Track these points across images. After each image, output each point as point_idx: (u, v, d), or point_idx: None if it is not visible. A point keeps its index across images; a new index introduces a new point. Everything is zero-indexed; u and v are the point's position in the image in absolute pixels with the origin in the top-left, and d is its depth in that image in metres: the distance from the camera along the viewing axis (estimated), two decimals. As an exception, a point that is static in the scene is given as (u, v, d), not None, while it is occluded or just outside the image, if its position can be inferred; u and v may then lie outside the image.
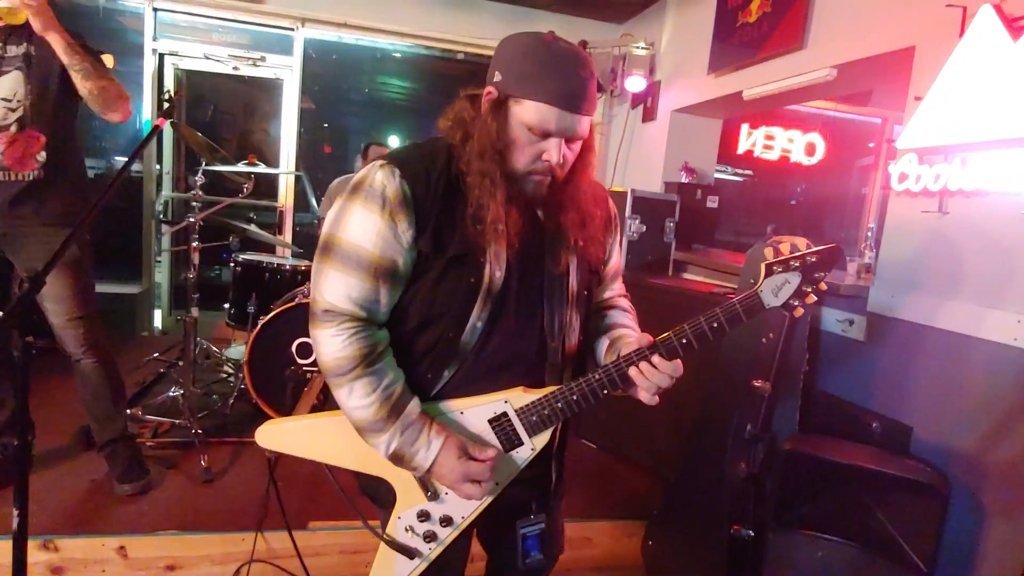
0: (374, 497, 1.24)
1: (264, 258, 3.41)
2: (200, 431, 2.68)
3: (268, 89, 5.04)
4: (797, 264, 1.10)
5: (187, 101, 4.98)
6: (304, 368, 2.88)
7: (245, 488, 2.43)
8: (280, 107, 4.76)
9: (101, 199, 1.41)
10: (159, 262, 4.78)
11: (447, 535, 1.19)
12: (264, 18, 4.48)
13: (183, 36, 4.47)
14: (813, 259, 1.10)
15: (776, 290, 1.11)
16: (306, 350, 2.90)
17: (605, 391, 1.14)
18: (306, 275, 3.32)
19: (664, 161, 4.13)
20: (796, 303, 1.11)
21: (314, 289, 1.12)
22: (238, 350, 3.64)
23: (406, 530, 1.19)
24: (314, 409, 2.04)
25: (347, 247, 1.09)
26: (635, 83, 4.26)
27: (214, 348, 3.61)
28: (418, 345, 1.15)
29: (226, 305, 3.46)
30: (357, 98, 8.01)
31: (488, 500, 1.18)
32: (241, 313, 3.28)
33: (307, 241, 5.17)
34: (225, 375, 3.54)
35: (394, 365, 1.13)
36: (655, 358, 1.12)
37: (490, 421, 1.16)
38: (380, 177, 1.09)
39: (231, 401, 3.12)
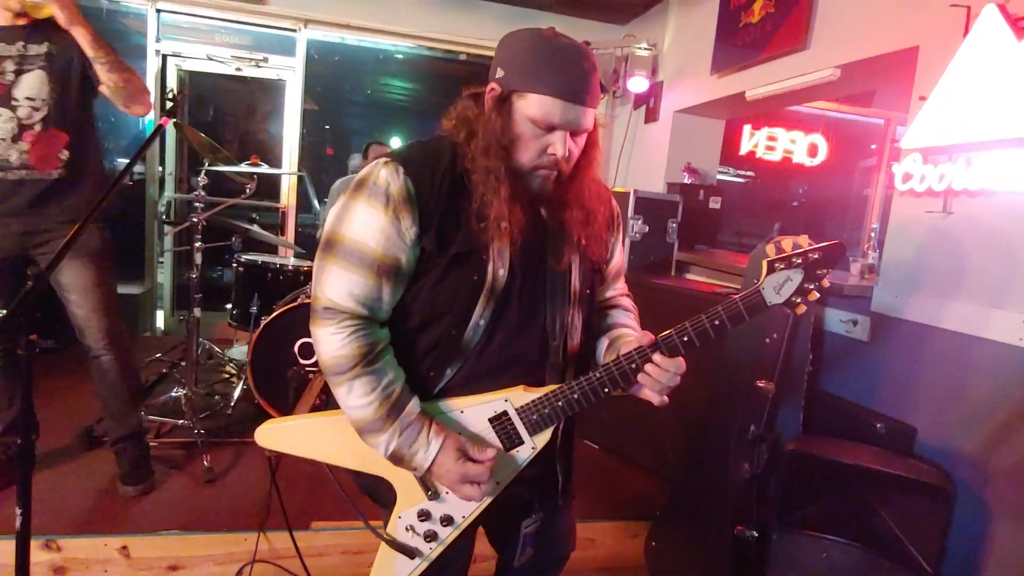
0: (375, 497, 1.24)
1: (266, 258, 3.41)
2: (203, 431, 2.68)
3: (270, 90, 5.04)
4: (799, 261, 1.10)
5: (189, 102, 4.99)
6: (306, 368, 2.88)
7: (247, 488, 2.43)
8: (282, 108, 4.77)
9: (105, 196, 1.41)
10: (161, 263, 4.79)
11: (448, 535, 1.19)
12: (267, 19, 4.49)
13: (186, 37, 4.48)
14: (815, 256, 1.09)
15: (778, 287, 1.10)
16: (308, 350, 2.90)
17: (606, 390, 1.14)
18: (308, 276, 3.32)
19: (667, 162, 4.13)
20: (798, 300, 1.11)
21: (316, 286, 1.12)
22: (240, 350, 3.64)
23: (407, 530, 1.19)
24: (315, 409, 2.04)
25: (350, 244, 1.08)
26: (637, 84, 4.26)
27: (216, 348, 3.62)
28: (420, 343, 1.15)
29: (228, 306, 3.46)
30: (359, 99, 8.03)
31: (488, 500, 1.17)
32: (243, 313, 3.28)
33: (309, 241, 5.18)
34: (227, 375, 3.54)
35: (394, 364, 1.12)
36: (656, 356, 1.11)
37: (490, 420, 1.15)
38: (384, 174, 1.09)
39: (233, 402, 3.12)
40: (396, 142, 7.62)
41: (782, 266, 1.10)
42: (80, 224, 1.30)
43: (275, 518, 2.00)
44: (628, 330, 1.30)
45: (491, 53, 1.16)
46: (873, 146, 5.45)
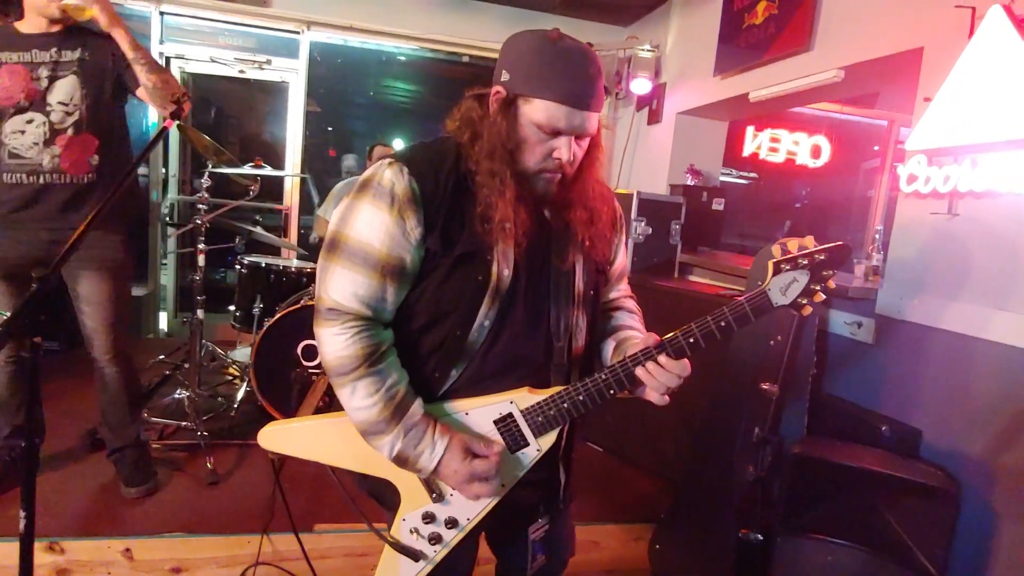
0: (379, 499, 1.24)
1: (269, 260, 3.41)
2: (206, 433, 2.68)
3: (273, 92, 5.05)
4: (806, 262, 1.09)
5: (192, 104, 5.00)
6: (309, 370, 2.88)
7: (251, 490, 2.43)
8: (285, 110, 4.77)
9: (111, 197, 1.41)
10: (164, 264, 4.79)
11: (452, 537, 1.18)
12: (270, 21, 4.50)
13: (189, 40, 4.49)
14: (821, 257, 1.09)
15: (784, 288, 1.10)
16: (311, 352, 2.90)
17: (612, 392, 1.13)
18: (311, 277, 3.32)
19: (670, 163, 4.12)
20: (804, 301, 1.11)
21: (319, 287, 1.12)
22: (243, 352, 3.64)
23: (411, 532, 1.18)
24: (318, 411, 2.04)
25: (354, 244, 1.08)
26: (640, 85, 4.26)
27: (219, 350, 3.62)
28: (425, 344, 1.15)
29: (231, 307, 3.46)
30: (362, 101, 8.03)
31: (494, 502, 1.17)
32: (246, 315, 3.29)
33: (317, 245, 5.18)
34: (231, 377, 3.54)
35: (398, 365, 1.12)
36: (662, 358, 1.11)
37: (496, 422, 1.15)
38: (389, 175, 1.08)
39: (236, 403, 3.12)
40: (399, 144, 7.63)
41: (788, 267, 1.10)
42: (83, 227, 1.30)
43: (279, 520, 2.00)
44: (634, 332, 1.30)
45: (494, 55, 1.16)
46: (876, 147, 5.44)
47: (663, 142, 4.22)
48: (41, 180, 2.10)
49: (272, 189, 4.71)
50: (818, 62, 2.83)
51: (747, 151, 5.20)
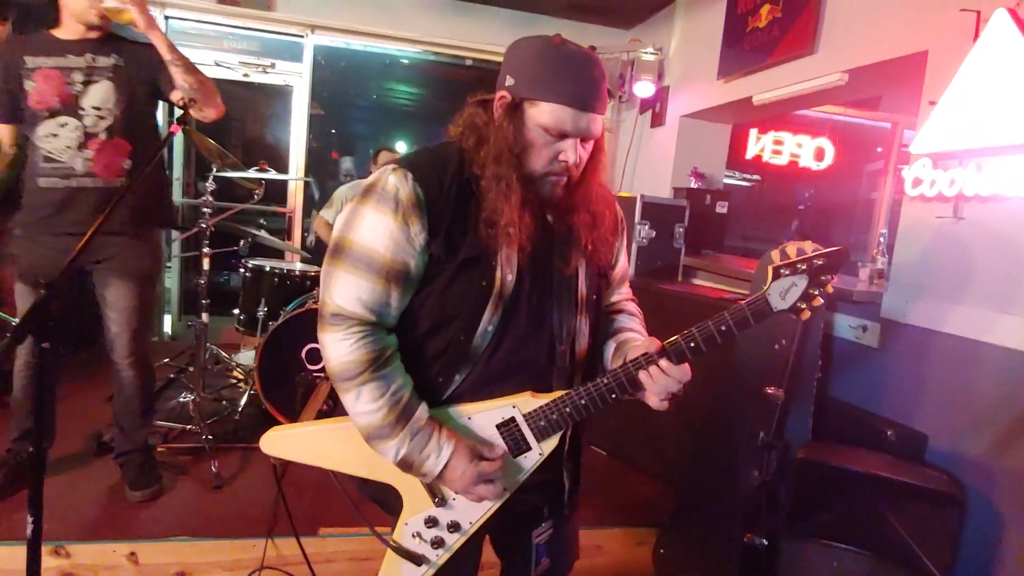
0: (382, 504, 1.24)
1: (273, 264, 3.42)
2: (210, 437, 2.68)
3: (276, 95, 5.07)
4: (804, 267, 1.10)
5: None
6: (314, 374, 2.88)
7: (255, 494, 2.43)
8: (289, 113, 4.79)
9: (115, 204, 1.41)
10: (169, 267, 4.80)
11: (455, 541, 1.19)
12: (274, 25, 4.51)
13: (194, 43, 4.50)
14: (820, 262, 1.10)
15: (783, 293, 1.11)
16: (315, 356, 2.90)
17: (614, 395, 1.14)
18: (315, 281, 3.32)
19: (673, 166, 4.12)
20: (803, 306, 1.11)
21: (324, 291, 1.12)
22: (248, 356, 3.65)
23: (413, 536, 1.18)
24: (321, 415, 2.04)
25: (358, 249, 1.08)
26: (644, 88, 4.26)
27: (224, 354, 3.62)
28: (429, 349, 1.15)
29: (235, 311, 3.46)
30: (365, 104, 8.06)
31: (496, 505, 1.17)
32: (251, 319, 3.29)
33: (319, 247, 5.19)
34: (235, 381, 3.54)
35: (402, 370, 1.12)
36: (663, 362, 1.12)
37: (498, 426, 1.15)
38: (393, 180, 1.09)
39: (241, 407, 3.13)
40: (402, 147, 7.65)
41: (787, 272, 1.11)
42: (88, 234, 1.30)
43: (283, 524, 2.00)
44: (635, 334, 1.30)
45: (497, 58, 1.17)
46: (879, 149, 5.42)
47: (666, 145, 4.22)
48: (74, 183, 2.13)
49: (275, 192, 4.72)
50: (822, 65, 2.83)
51: (750, 153, 5.20)
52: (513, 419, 1.15)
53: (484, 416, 1.15)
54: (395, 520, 1.20)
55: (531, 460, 1.17)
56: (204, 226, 2.99)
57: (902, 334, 2.24)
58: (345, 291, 1.09)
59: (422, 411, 1.11)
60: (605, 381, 1.13)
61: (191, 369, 3.10)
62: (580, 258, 1.20)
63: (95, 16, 2.08)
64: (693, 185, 3.94)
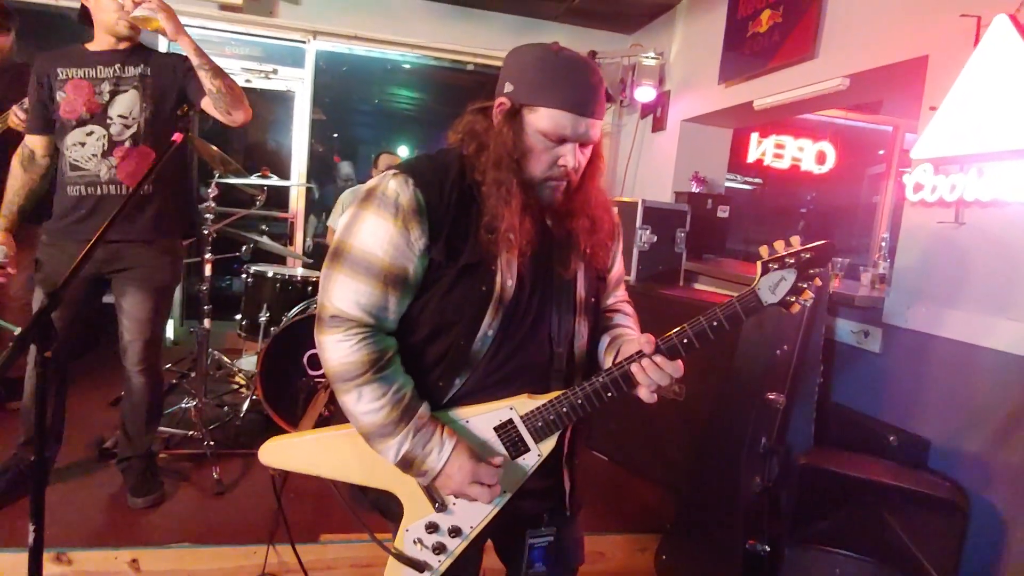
0: (382, 511, 1.24)
1: (276, 269, 3.42)
2: (212, 443, 2.68)
3: (278, 101, 5.08)
4: (792, 261, 1.11)
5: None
6: (315, 379, 2.88)
7: (257, 500, 2.43)
8: (291, 118, 4.80)
9: (118, 213, 1.42)
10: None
11: (456, 546, 1.19)
12: (276, 31, 4.53)
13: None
14: (807, 255, 1.11)
15: (773, 287, 1.12)
16: (317, 361, 2.87)
17: (609, 394, 1.14)
18: (317, 286, 3.32)
19: (674, 171, 4.13)
20: (793, 299, 1.12)
21: (322, 295, 1.13)
22: (250, 361, 3.65)
23: (414, 543, 1.18)
24: (322, 420, 2.04)
25: (358, 254, 1.09)
26: (645, 93, 4.26)
27: (226, 359, 3.62)
28: (429, 354, 1.15)
29: (237, 316, 3.47)
30: (367, 108, 8.09)
31: (496, 509, 1.17)
32: (252, 324, 3.30)
33: (317, 251, 5.20)
34: (237, 386, 3.55)
35: (403, 371, 1.13)
36: (658, 358, 1.12)
37: (496, 429, 1.16)
38: (393, 185, 1.10)
39: (242, 412, 3.13)
40: (404, 151, 7.67)
41: (776, 266, 1.12)
42: (92, 241, 1.31)
43: (284, 530, 2.00)
44: (628, 330, 1.32)
45: (498, 63, 1.18)
46: (881, 151, 5.42)
47: (667, 150, 4.22)
48: (99, 191, 2.16)
49: (277, 197, 4.73)
50: (823, 70, 2.83)
51: (752, 157, 5.20)
52: (511, 421, 1.15)
53: (482, 419, 1.16)
54: (395, 527, 1.20)
55: (530, 461, 1.17)
56: (206, 232, 3.00)
57: (904, 339, 2.23)
58: (343, 294, 1.09)
59: (424, 409, 1.12)
60: (600, 379, 1.14)
61: (193, 374, 3.11)
62: (579, 262, 1.21)
63: (125, 27, 2.13)
64: (694, 189, 3.95)
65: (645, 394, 1.15)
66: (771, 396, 1.99)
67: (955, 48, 2.09)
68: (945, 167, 2.08)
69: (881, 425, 2.20)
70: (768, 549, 1.94)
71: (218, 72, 2.13)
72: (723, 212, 3.80)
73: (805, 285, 1.12)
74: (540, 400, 1.15)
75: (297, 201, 4.84)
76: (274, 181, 3.40)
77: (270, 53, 4.64)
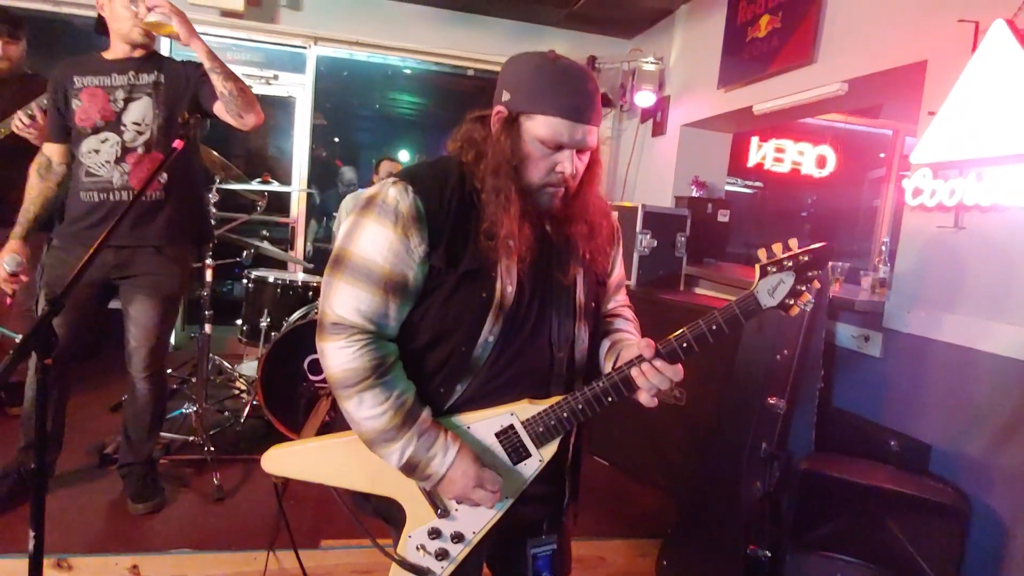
0: (384, 518, 1.24)
1: (277, 274, 3.43)
2: (212, 448, 2.68)
3: (280, 106, 5.09)
4: (790, 264, 1.12)
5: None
6: (316, 385, 2.88)
7: (257, 506, 2.43)
8: (292, 124, 4.81)
9: (119, 220, 1.42)
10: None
11: (459, 552, 1.19)
12: (277, 37, 4.54)
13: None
14: (805, 258, 1.12)
15: (771, 290, 1.12)
16: (318, 366, 2.89)
17: (610, 398, 1.15)
18: (318, 291, 3.32)
19: (674, 175, 4.13)
20: (791, 302, 1.13)
21: (323, 302, 1.13)
22: (250, 366, 3.65)
23: (417, 549, 1.18)
24: (324, 426, 2.04)
25: (358, 261, 1.10)
26: (644, 98, 4.28)
27: (226, 364, 3.62)
28: (430, 361, 1.16)
29: (238, 321, 3.47)
30: (368, 113, 8.11)
31: (499, 515, 1.17)
32: (253, 329, 3.30)
33: (318, 256, 5.21)
34: (237, 391, 3.54)
35: (404, 377, 1.13)
36: (657, 362, 1.13)
37: (497, 434, 1.16)
38: (393, 193, 1.10)
39: (243, 418, 3.13)
40: (404, 156, 7.69)
41: (774, 269, 1.12)
42: (95, 247, 1.31)
43: (285, 536, 2.00)
44: (628, 334, 1.32)
45: (498, 68, 1.18)
46: (882, 155, 5.43)
47: (667, 154, 4.23)
48: (112, 197, 2.17)
49: (278, 202, 4.74)
50: (822, 75, 2.84)
51: (752, 161, 5.21)
52: (512, 426, 1.15)
53: (483, 425, 1.16)
54: (398, 533, 1.20)
55: (531, 467, 1.17)
56: (207, 237, 3.00)
57: (904, 343, 2.23)
58: (344, 301, 1.10)
59: (427, 413, 1.12)
60: (600, 384, 1.14)
61: (194, 380, 3.11)
62: (578, 268, 1.22)
63: (139, 33, 2.14)
64: (694, 194, 3.95)
65: (645, 398, 1.15)
66: (772, 401, 1.99)
67: (953, 53, 2.10)
68: (944, 172, 2.08)
69: (882, 430, 2.20)
70: (769, 554, 1.94)
71: (230, 75, 2.13)
72: (723, 216, 3.81)
73: (803, 288, 1.12)
74: (541, 405, 1.15)
75: (298, 206, 4.84)
76: (275, 186, 3.41)
77: (271, 59, 4.66)
